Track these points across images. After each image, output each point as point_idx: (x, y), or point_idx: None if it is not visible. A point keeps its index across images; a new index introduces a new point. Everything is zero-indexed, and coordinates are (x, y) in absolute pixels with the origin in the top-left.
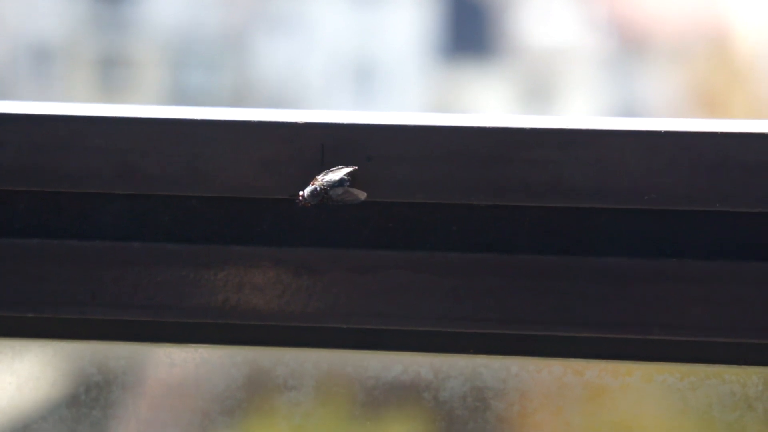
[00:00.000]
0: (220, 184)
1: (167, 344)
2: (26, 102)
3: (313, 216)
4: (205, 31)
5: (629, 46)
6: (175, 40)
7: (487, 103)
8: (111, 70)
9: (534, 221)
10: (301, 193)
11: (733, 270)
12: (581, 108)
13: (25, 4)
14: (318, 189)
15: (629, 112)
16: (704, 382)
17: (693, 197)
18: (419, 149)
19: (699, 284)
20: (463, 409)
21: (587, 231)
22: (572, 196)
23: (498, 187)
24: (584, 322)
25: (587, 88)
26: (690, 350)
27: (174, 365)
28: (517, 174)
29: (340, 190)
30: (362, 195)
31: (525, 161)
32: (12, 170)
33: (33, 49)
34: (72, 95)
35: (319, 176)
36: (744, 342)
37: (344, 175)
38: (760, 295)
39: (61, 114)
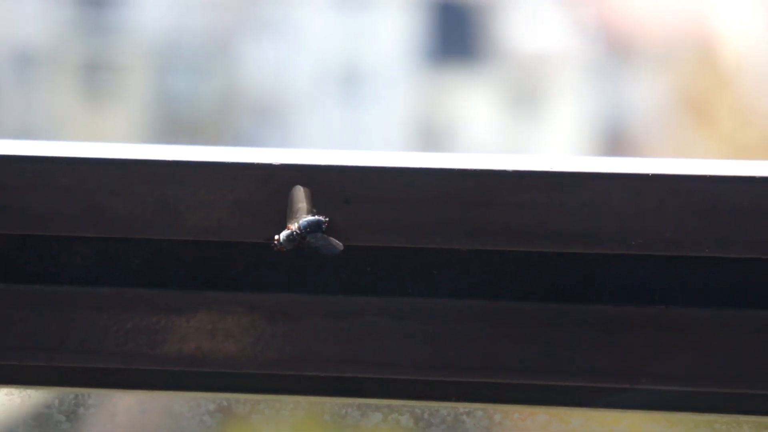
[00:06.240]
0: (193, 226)
1: (138, 390)
2: None
3: (288, 260)
4: (191, 36)
5: (616, 51)
6: (161, 44)
7: (473, 108)
8: (96, 75)
9: (517, 266)
10: (276, 237)
11: (723, 317)
12: (568, 113)
13: (8, 8)
14: (294, 234)
15: (616, 118)
16: (694, 431)
17: (681, 242)
18: (398, 192)
19: (688, 332)
20: None
21: (572, 277)
22: (557, 240)
23: (480, 231)
24: (570, 371)
25: (574, 93)
26: (679, 399)
27: (145, 411)
28: (500, 218)
29: (318, 235)
30: (339, 246)
31: (508, 204)
32: None
33: (16, 55)
34: (56, 101)
35: (295, 220)
36: (735, 392)
37: (321, 217)
38: (750, 343)
39: (27, 154)
